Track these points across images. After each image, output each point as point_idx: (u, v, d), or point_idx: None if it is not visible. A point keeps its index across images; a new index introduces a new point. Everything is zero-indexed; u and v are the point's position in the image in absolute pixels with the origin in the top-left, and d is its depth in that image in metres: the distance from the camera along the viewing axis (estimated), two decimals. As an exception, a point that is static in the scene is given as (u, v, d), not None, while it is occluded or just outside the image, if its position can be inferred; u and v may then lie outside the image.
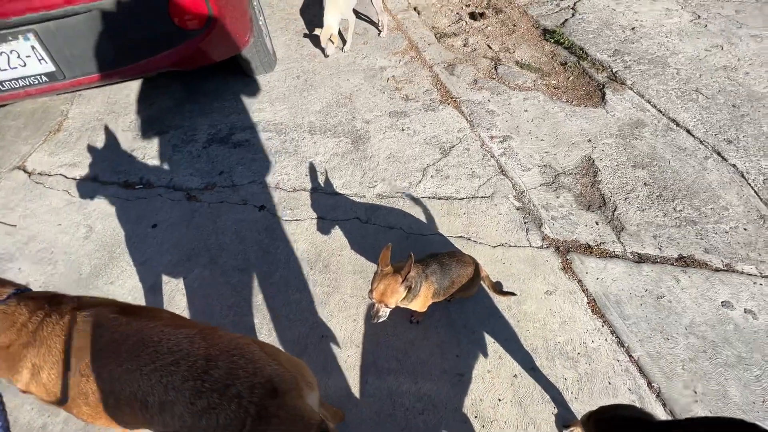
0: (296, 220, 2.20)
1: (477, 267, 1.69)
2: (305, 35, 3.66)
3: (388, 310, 1.39)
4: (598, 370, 1.58)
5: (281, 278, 1.97)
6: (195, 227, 2.22)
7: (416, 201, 2.21)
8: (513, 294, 1.76)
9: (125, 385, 0.91)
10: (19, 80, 2.08)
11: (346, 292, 1.88)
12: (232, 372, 0.90)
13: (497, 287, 1.79)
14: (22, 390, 1.03)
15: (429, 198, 2.23)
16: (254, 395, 0.88)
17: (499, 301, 1.80)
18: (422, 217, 2.14)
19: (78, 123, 3.00)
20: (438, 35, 3.57)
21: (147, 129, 2.87)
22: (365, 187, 2.33)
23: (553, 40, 3.35)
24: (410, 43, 3.49)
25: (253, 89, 3.13)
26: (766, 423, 1.42)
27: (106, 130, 2.89)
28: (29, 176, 2.63)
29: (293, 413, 0.92)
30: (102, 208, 2.37)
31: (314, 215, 2.21)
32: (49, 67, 2.08)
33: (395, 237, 2.05)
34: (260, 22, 2.96)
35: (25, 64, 2.04)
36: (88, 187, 2.51)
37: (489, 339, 1.69)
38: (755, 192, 2.10)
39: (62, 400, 0.97)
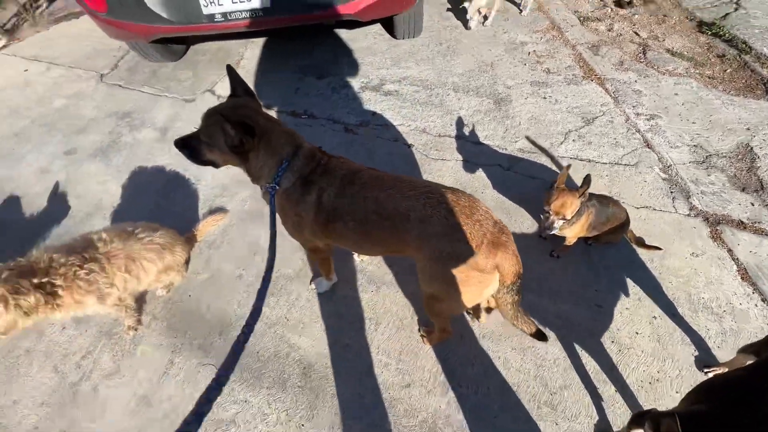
0: (442, 159, 2.46)
1: (628, 216, 1.80)
2: (448, 9, 3.91)
3: (561, 223, 1.58)
4: (745, 329, 1.61)
5: (428, 203, 2.23)
6: (354, 153, 2.58)
7: (558, 159, 2.35)
8: (658, 248, 1.84)
9: (390, 203, 1.21)
10: (244, 12, 2.58)
11: (489, 222, 2.09)
12: (472, 208, 1.16)
13: (640, 241, 1.88)
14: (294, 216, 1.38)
15: (571, 158, 2.35)
16: (489, 227, 1.13)
17: (641, 254, 1.89)
18: (564, 173, 2.27)
19: (252, 63, 3.55)
20: (581, 18, 3.60)
21: (309, 72, 3.32)
22: (507, 141, 2.51)
23: (710, 32, 3.22)
24: (552, 23, 3.57)
25: (400, 51, 3.44)
26: None
27: (276, 69, 3.39)
28: (218, 99, 3.20)
29: (513, 252, 1.15)
30: (276, 129, 2.84)
31: (459, 158, 2.45)
32: (267, 3, 2.55)
33: (537, 186, 2.21)
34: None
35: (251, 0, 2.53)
36: (264, 112, 3.00)
37: (629, 283, 1.80)
38: None
39: (333, 218, 1.29)
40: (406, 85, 3.05)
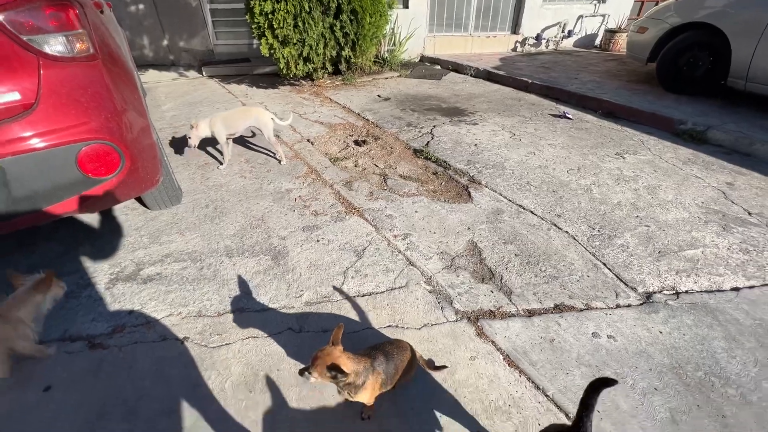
0: (226, 344, 2.16)
1: (412, 349, 1.91)
2: (202, 165, 3.92)
3: (312, 379, 1.55)
4: (528, 416, 1.83)
5: (218, 411, 1.84)
6: (105, 378, 1.98)
7: (345, 299, 2.41)
8: (445, 366, 1.99)
9: None
10: None
11: (292, 405, 1.86)
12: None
13: (430, 364, 2.00)
14: None
15: (354, 297, 2.45)
16: None
17: (436, 377, 2.00)
18: (352, 315, 2.32)
19: (-75, 287, 2.52)
20: (332, 159, 4.22)
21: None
22: (292, 297, 2.45)
23: (423, 157, 4.26)
24: (309, 167, 4.03)
25: (159, 223, 3.13)
26: (647, 424, 1.82)
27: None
28: None
29: None
30: (-34, 384, 1.95)
31: (245, 335, 2.20)
32: None
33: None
34: (165, 159, 3.14)
35: None
36: (-56, 362, 2.05)
37: (435, 414, 1.83)
38: (584, 248, 2.89)
39: None
40: (171, 264, 2.71)
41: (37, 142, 2.03)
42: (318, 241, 2.95)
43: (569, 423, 1.58)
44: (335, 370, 1.51)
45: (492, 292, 2.52)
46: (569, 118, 5.37)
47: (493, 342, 2.18)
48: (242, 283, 2.54)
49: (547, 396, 1.92)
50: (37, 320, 2.00)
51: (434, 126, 5.11)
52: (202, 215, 3.25)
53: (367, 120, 5.35)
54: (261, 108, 3.86)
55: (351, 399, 1.67)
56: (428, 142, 4.63)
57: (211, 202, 3.42)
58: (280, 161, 4.07)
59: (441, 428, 1.79)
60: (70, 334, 2.21)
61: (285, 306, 2.39)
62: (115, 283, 2.55)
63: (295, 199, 3.47)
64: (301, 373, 1.60)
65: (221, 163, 3.98)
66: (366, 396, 1.65)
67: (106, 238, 2.96)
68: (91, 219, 3.17)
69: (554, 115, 5.52)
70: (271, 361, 2.07)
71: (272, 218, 3.21)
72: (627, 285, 2.56)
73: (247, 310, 2.36)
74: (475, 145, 4.54)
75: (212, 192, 3.59)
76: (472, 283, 2.59)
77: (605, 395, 1.92)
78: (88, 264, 2.70)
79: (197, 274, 2.62)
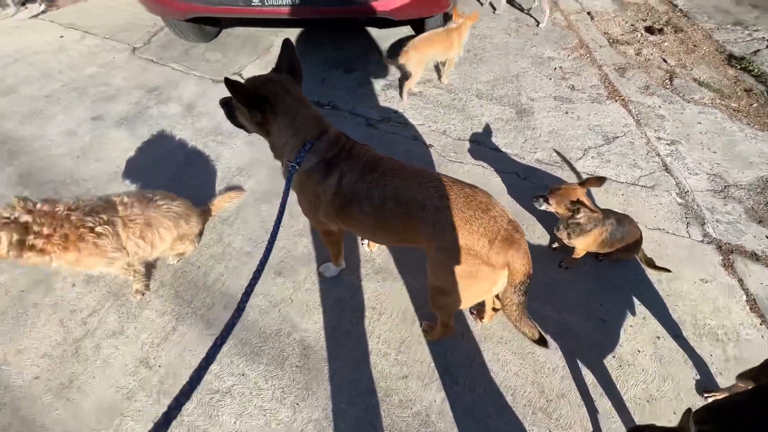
0: (459, 162, 2.48)
1: (642, 236, 1.80)
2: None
3: (545, 206, 1.69)
4: (749, 358, 1.60)
5: (442, 203, 2.25)
6: (373, 147, 2.60)
7: (577, 173, 2.35)
8: (668, 270, 1.84)
9: (407, 192, 1.23)
10: (280, -1, 2.64)
11: (500, 227, 2.10)
12: (488, 204, 1.18)
13: (650, 261, 1.87)
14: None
15: (588, 174, 2.35)
16: (504, 224, 1.15)
17: (650, 274, 1.88)
18: (580, 187, 2.28)
19: (281, 51, 3.61)
20: (610, 40, 3.62)
21: (336, 66, 3.37)
22: (526, 151, 2.52)
23: (739, 66, 3.21)
24: (581, 42, 3.59)
25: (427, 53, 3.48)
26: None
27: (305, 60, 3.44)
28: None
29: (525, 251, 1.17)
30: (298, 116, 2.88)
31: (476, 162, 2.46)
32: (304, -6, 2.61)
33: (551, 197, 2.22)
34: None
35: (287, -13, 2.59)
36: (289, 99, 3.05)
37: (635, 301, 1.79)
38: None
39: (350, 202, 1.32)
40: (431, 88, 3.08)
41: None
42: (567, 113, 2.80)
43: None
44: (580, 205, 1.57)
45: (767, 237, 2.01)
46: None
47: (740, 280, 1.84)
48: (484, 123, 2.73)
49: (788, 358, 1.59)
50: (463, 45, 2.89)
51: (778, 33, 3.63)
52: (463, 58, 3.41)
53: (674, 5, 4.18)
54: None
55: (568, 241, 1.76)
56: (757, 50, 3.39)
57: (473, 49, 3.53)
58: (539, 22, 3.73)
59: (635, 314, 1.76)
60: (355, 111, 2.91)
61: (517, 155, 2.50)
62: (388, 88, 3.10)
63: (555, 69, 3.25)
64: (536, 198, 1.73)
65: (494, 8, 3.93)
66: (584, 243, 1.71)
67: (388, 54, 3.50)
68: (380, 35, 3.75)
69: None
70: (492, 189, 2.29)
71: (526, 79, 3.14)
72: None
73: (482, 144, 2.58)
74: (840, 72, 3.09)
75: (476, 40, 3.66)
76: (743, 218, 2.10)
77: None
78: (373, 68, 3.32)
79: (449, 103, 2.93)
